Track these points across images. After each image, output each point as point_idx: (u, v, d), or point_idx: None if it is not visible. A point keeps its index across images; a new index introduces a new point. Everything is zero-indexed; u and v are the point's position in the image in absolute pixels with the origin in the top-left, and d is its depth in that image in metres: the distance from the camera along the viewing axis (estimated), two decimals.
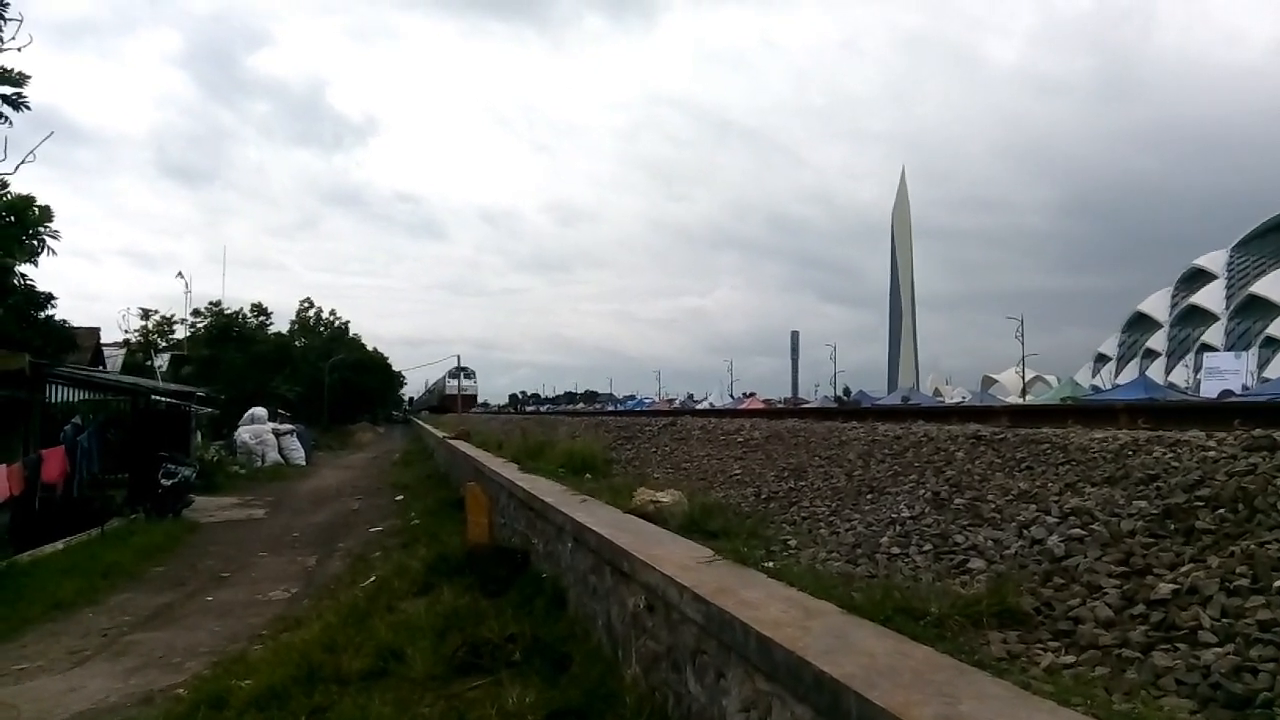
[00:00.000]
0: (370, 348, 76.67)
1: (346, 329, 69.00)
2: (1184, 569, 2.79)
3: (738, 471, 7.29)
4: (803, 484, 6.07)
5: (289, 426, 34.10)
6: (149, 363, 36.76)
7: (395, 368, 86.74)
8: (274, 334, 54.02)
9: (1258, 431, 3.70)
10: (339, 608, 8.04)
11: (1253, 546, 2.72)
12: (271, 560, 13.40)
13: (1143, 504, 3.33)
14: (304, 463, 32.42)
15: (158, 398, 21.09)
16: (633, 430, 12.04)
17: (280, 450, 31.51)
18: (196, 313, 46.24)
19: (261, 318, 52.55)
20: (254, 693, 5.84)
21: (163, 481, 17.20)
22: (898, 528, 4.30)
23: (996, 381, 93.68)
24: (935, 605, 2.97)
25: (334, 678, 5.68)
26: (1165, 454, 3.79)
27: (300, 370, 51.38)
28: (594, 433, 13.17)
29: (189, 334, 45.59)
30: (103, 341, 36.65)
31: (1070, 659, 2.58)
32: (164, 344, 44.71)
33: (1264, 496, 2.97)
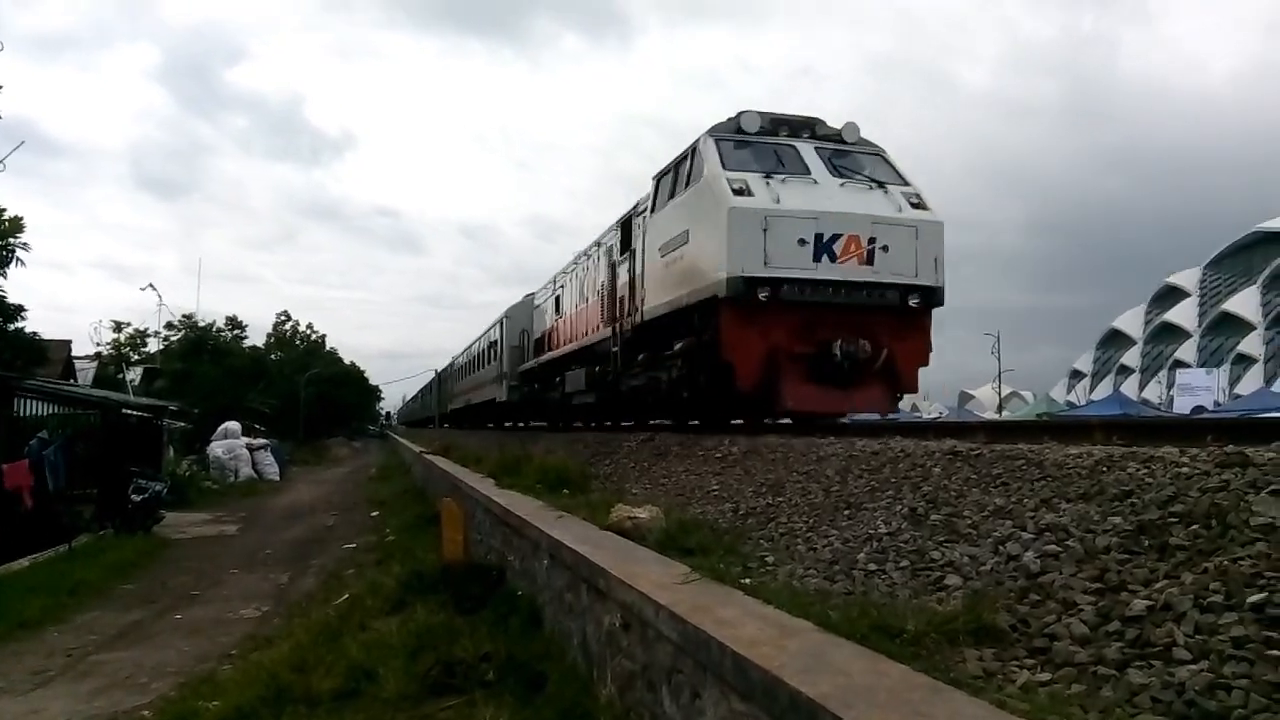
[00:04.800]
0: (348, 361, 76.10)
1: (323, 342, 68.56)
2: (1158, 585, 2.79)
3: (715, 487, 7.26)
4: (780, 500, 6.05)
5: (263, 441, 33.75)
6: (120, 376, 36.31)
7: (373, 381, 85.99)
8: (249, 347, 53.54)
9: (1230, 448, 3.72)
10: (310, 626, 7.92)
11: (1225, 563, 2.73)
12: (243, 577, 13.21)
13: (1117, 520, 3.34)
14: (278, 478, 32.09)
15: (129, 411, 20.80)
16: (611, 445, 11.98)
17: (254, 465, 31.18)
18: (170, 326, 45.75)
19: (236, 331, 52.14)
20: (221, 714, 5.74)
21: (133, 497, 16.95)
22: (875, 544, 4.28)
23: (973, 397, 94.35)
24: (912, 622, 2.96)
25: (304, 698, 5.59)
26: (1139, 470, 3.81)
27: (276, 384, 50.90)
28: (572, 447, 13.11)
29: (162, 347, 45.05)
30: (74, 354, 36.15)
31: (1046, 676, 2.57)
32: (136, 357, 44.19)
33: (1236, 513, 2.98)
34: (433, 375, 59.40)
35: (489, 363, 28.64)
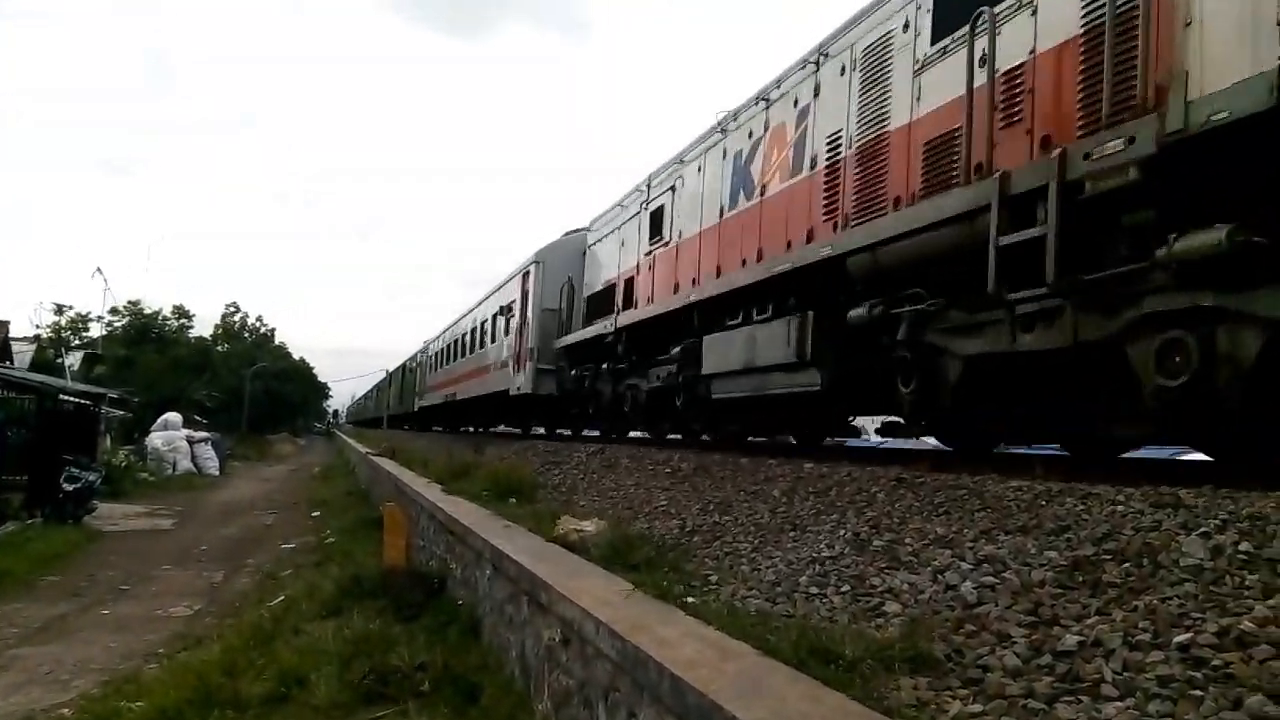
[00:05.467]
0: (297, 357, 74.76)
1: (272, 336, 67.18)
2: (1090, 621, 2.85)
3: (664, 502, 7.25)
4: (727, 519, 6.07)
5: (204, 434, 32.97)
6: (59, 360, 35.25)
7: (322, 378, 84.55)
8: (195, 338, 52.35)
9: (1164, 489, 3.82)
10: (242, 628, 7.74)
11: (1155, 602, 2.79)
12: (176, 574, 12.87)
13: (1053, 554, 3.40)
14: (217, 472, 31.38)
15: (66, 398, 20.18)
16: (562, 455, 11.93)
17: (193, 458, 30.43)
18: (114, 311, 44.54)
19: (183, 320, 50.91)
20: (145, 716, 5.57)
21: (65, 486, 16.43)
22: (817, 567, 4.31)
23: None
24: (850, 648, 2.98)
25: (231, 702, 5.46)
26: (1076, 505, 3.89)
27: (221, 376, 49.77)
28: (523, 456, 13.02)
29: (105, 333, 43.84)
30: (11, 336, 35.00)
31: (978, 708, 2.60)
32: (78, 342, 42.95)
33: (1167, 553, 3.06)
34: (385, 374, 53.65)
35: (495, 339, 19.62)
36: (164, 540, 16.23)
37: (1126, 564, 3.11)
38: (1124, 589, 2.97)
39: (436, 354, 30.21)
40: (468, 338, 23.58)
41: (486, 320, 20.87)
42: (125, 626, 9.55)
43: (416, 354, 36.66)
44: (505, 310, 18.64)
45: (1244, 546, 2.92)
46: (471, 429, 26.58)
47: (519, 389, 16.59)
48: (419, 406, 33.75)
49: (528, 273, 16.89)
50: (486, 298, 21.39)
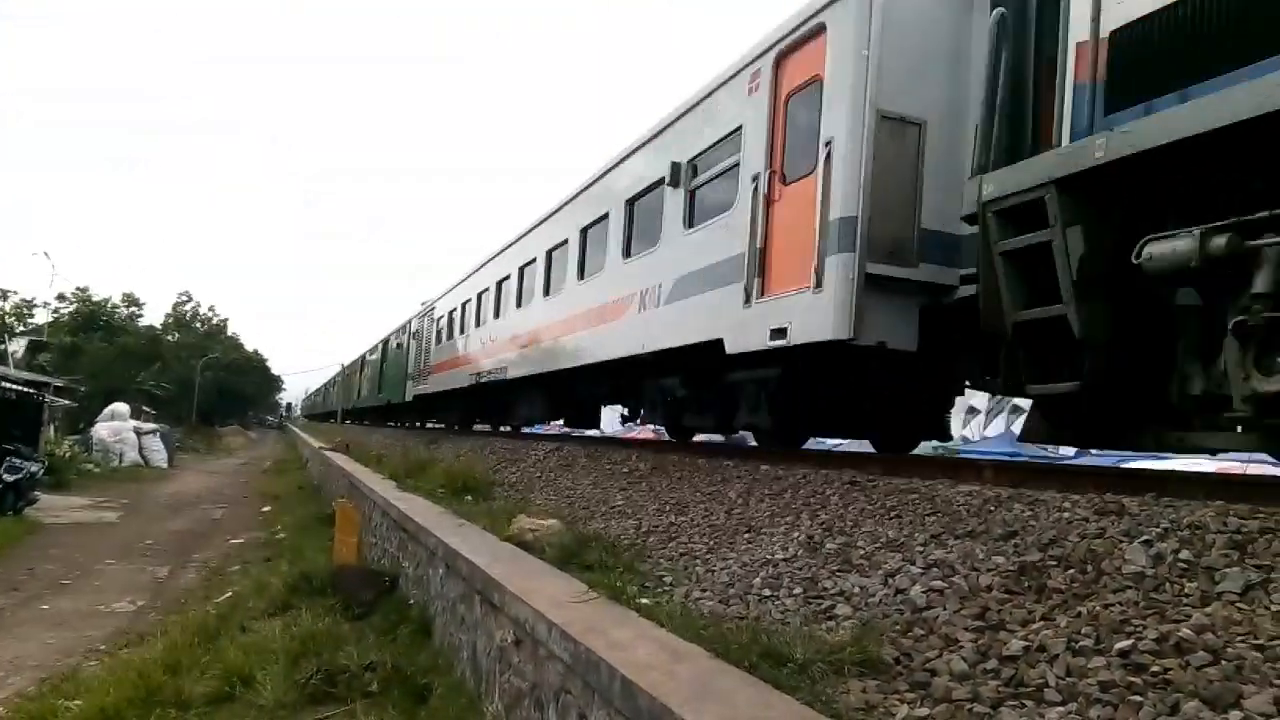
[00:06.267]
0: (251, 349, 73.49)
1: (225, 326, 65.97)
2: (1035, 626, 2.90)
3: (620, 502, 7.24)
4: (683, 519, 6.07)
5: (152, 426, 32.25)
6: (1, 347, 34.24)
7: (276, 370, 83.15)
8: (145, 326, 51.22)
9: (1108, 496, 3.90)
10: (187, 625, 7.57)
11: (1098, 608, 2.85)
12: (119, 569, 12.56)
13: (1001, 560, 3.46)
14: (166, 464, 30.72)
15: (7, 385, 19.62)
16: (519, 453, 11.85)
17: (140, 450, 29.75)
18: (61, 297, 43.38)
19: (133, 308, 49.80)
20: (83, 715, 5.43)
21: (4, 476, 15.97)
22: (771, 569, 4.33)
23: None
24: (801, 651, 2.99)
25: (174, 701, 5.34)
26: (1024, 511, 3.96)
27: (171, 367, 48.73)
28: (479, 453, 12.91)
29: (51, 319, 42.68)
30: None
31: (924, 711, 2.62)
32: (22, 328, 41.77)
33: (1110, 560, 3.12)
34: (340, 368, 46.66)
35: (662, 237, 9.18)
36: (108, 534, 15.83)
37: (1071, 570, 3.17)
38: (1069, 595, 3.03)
39: (456, 311, 19.76)
40: (549, 264, 13.26)
41: (613, 216, 10.69)
42: (65, 622, 9.29)
43: (404, 326, 26.93)
44: (698, 162, 8.62)
45: (1184, 555, 2.99)
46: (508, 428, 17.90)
47: (789, 335, 6.70)
48: (414, 395, 23.82)
49: (824, 27, 6.65)
50: (624, 159, 10.53)
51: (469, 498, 8.19)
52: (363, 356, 37.75)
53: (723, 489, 6.56)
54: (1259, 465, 9.25)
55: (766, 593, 4.04)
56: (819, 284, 6.29)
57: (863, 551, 4.15)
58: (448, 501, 7.83)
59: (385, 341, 30.82)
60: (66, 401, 28.02)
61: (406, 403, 25.53)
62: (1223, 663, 2.38)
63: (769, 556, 4.52)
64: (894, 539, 4.16)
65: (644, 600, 3.95)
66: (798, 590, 3.95)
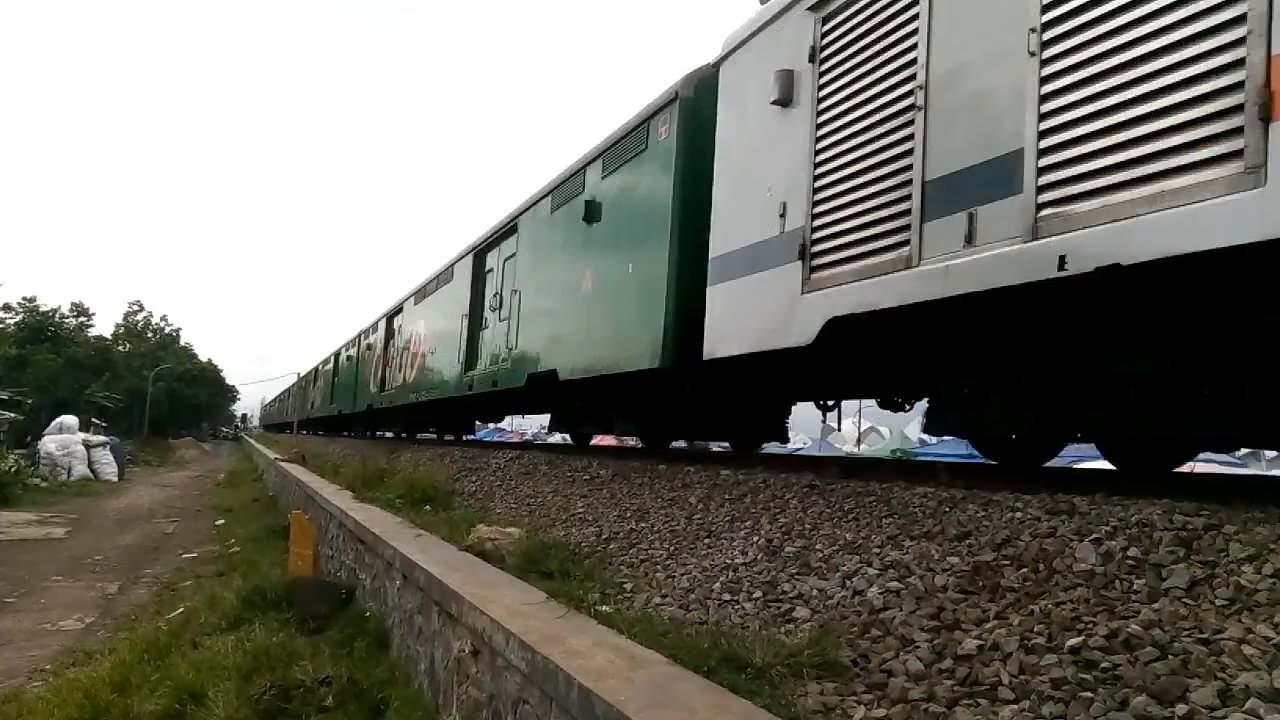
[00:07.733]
0: (204, 359, 72.12)
1: (177, 336, 64.67)
2: (989, 625, 2.93)
3: (581, 509, 7.21)
4: (644, 525, 6.06)
5: (102, 438, 31.44)
6: None
7: (231, 380, 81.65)
8: (95, 337, 49.99)
9: (1060, 496, 3.96)
10: (136, 642, 7.38)
11: (1050, 606, 2.89)
12: (67, 585, 12.19)
13: (955, 560, 3.49)
14: (116, 478, 29.93)
15: None
16: (479, 461, 11.75)
17: (90, 463, 28.98)
18: (7, 308, 42.21)
19: (82, 318, 48.57)
20: None
21: None
22: (731, 574, 4.34)
23: (836, 430, 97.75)
24: (760, 655, 3.00)
25: None
26: (978, 512, 4.01)
27: (122, 377, 47.61)
28: (439, 462, 12.78)
29: None
30: None
31: (881, 712, 2.64)
32: None
33: (1061, 559, 3.17)
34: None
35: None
36: (55, 549, 15.36)
37: (1024, 569, 3.21)
38: (1021, 593, 3.07)
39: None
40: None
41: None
42: (8, 641, 8.99)
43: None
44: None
45: (1132, 552, 3.04)
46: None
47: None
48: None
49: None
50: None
51: (428, 507, 8.09)
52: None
53: (683, 494, 6.56)
54: (1204, 465, 9.48)
55: (726, 597, 4.04)
56: None
57: (821, 554, 4.17)
58: (406, 512, 7.72)
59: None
60: (12, 415, 27.25)
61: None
62: (1169, 657, 2.43)
63: (729, 561, 4.53)
64: (852, 541, 4.19)
65: (604, 608, 3.93)
66: (757, 594, 3.95)
